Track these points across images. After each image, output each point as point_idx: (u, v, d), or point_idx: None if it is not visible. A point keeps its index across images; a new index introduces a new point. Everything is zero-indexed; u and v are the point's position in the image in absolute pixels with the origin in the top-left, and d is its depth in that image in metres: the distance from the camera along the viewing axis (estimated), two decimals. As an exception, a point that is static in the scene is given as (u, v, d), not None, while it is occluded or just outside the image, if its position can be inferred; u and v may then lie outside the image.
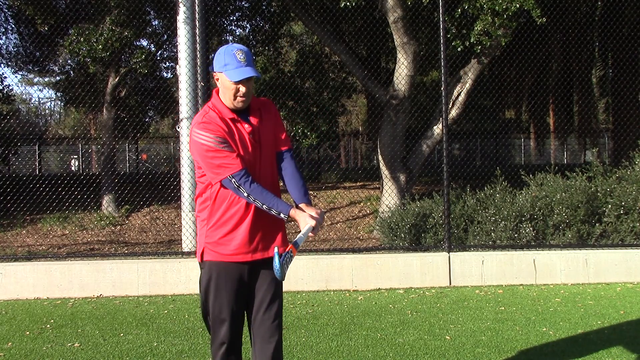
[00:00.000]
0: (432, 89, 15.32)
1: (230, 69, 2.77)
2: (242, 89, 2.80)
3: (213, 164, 2.77)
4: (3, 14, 12.88)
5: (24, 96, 30.64)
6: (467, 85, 8.75)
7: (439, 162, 13.93)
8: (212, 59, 2.94)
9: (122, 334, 4.89)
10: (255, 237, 2.89)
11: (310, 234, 2.78)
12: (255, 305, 2.93)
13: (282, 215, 2.78)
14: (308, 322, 5.19)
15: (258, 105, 2.95)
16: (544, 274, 6.69)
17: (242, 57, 2.78)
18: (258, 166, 2.89)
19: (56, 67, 15.02)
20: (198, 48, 6.68)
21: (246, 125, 2.86)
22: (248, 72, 2.76)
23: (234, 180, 2.75)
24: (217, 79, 2.84)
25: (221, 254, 2.90)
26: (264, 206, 2.76)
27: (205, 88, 6.69)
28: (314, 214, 2.80)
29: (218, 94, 2.89)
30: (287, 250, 2.70)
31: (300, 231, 2.78)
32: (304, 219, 2.78)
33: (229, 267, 2.89)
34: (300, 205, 2.92)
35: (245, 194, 2.76)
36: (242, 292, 2.93)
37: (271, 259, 2.79)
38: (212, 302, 2.91)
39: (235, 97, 2.81)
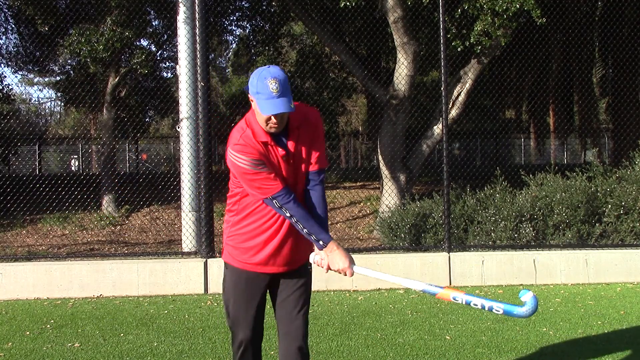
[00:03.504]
0: (432, 89, 15.30)
1: (262, 99, 2.58)
2: (274, 118, 2.62)
3: (252, 185, 2.72)
4: (3, 14, 12.89)
5: (24, 96, 30.68)
6: (467, 85, 8.75)
7: (439, 162, 13.91)
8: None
9: (122, 334, 4.90)
10: (285, 251, 2.84)
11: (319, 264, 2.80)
12: (279, 302, 2.92)
13: (320, 243, 2.72)
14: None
15: (299, 121, 2.75)
16: (544, 274, 6.69)
17: (275, 86, 2.56)
18: (294, 189, 2.77)
19: (56, 67, 15.03)
20: (198, 48, 6.68)
21: (279, 149, 2.71)
22: (279, 107, 2.57)
23: (275, 201, 2.70)
24: (252, 101, 2.67)
25: (246, 262, 2.87)
26: (304, 230, 2.70)
27: (206, 88, 6.69)
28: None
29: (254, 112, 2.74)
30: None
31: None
32: (340, 257, 2.73)
33: (252, 276, 2.88)
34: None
35: (288, 215, 2.71)
36: (263, 297, 2.93)
37: (295, 270, 2.87)
38: (232, 304, 2.91)
39: (267, 124, 2.65)
